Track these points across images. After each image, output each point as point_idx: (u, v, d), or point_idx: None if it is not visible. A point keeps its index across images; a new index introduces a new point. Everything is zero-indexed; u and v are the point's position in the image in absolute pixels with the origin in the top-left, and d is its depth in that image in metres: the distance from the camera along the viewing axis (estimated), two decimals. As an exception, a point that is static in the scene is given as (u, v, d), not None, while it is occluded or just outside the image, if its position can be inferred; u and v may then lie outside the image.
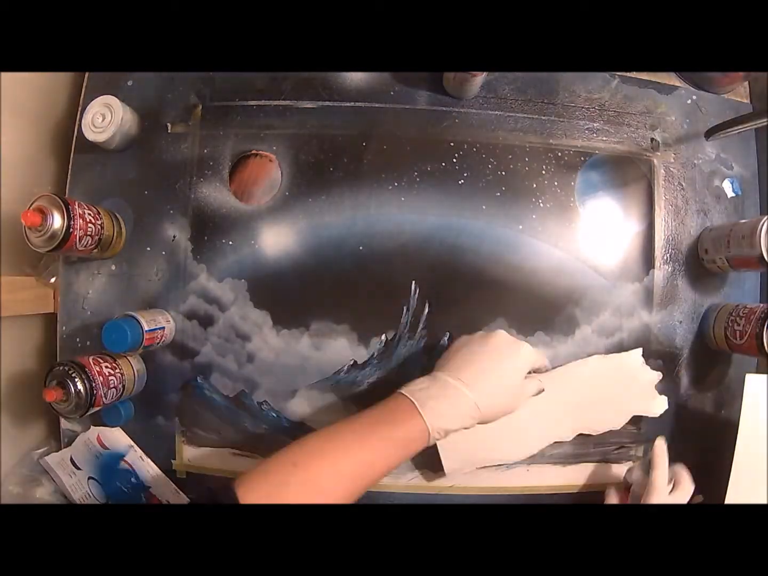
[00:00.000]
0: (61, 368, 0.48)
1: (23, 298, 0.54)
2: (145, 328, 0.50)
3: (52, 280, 0.57)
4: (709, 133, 0.51)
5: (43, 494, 0.56)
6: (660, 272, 0.57)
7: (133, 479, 0.55)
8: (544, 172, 0.56)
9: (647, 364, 0.56)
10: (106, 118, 0.53)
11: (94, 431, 0.56)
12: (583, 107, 0.58)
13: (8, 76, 0.51)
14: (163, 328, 0.53)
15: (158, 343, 0.53)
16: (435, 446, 0.50)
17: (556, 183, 0.56)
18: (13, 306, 0.52)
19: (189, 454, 0.57)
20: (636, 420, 0.56)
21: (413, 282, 0.55)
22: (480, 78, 0.53)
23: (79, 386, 0.47)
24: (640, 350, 0.55)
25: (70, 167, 0.58)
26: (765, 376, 0.51)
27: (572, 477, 0.56)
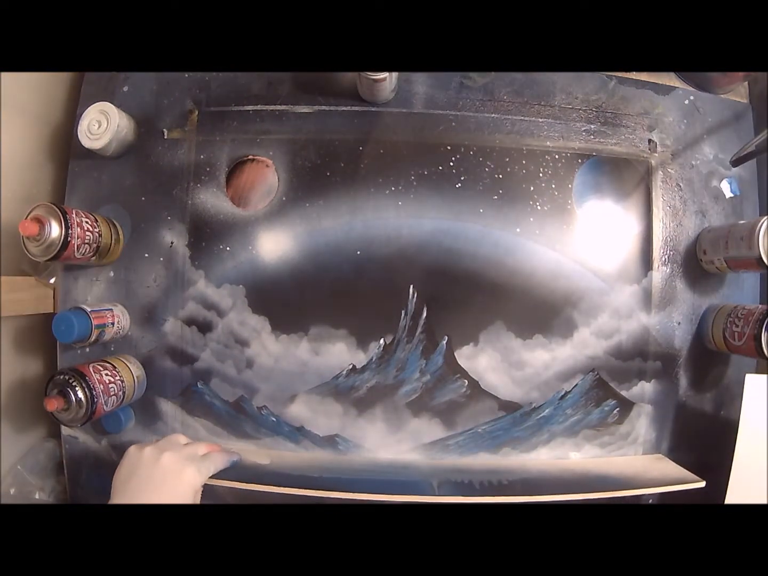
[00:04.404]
0: (61, 377, 0.48)
1: (23, 298, 0.55)
2: (88, 309, 0.51)
3: (52, 280, 0.58)
4: (737, 163, 0.51)
5: (42, 495, 0.56)
6: (658, 274, 0.57)
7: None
8: (541, 174, 0.56)
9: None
10: (102, 125, 0.53)
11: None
12: (580, 109, 0.58)
13: (8, 76, 0.51)
14: (111, 309, 0.54)
15: (113, 324, 0.54)
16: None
17: (553, 185, 0.56)
18: (13, 306, 0.52)
19: (190, 459, 0.57)
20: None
21: (411, 286, 0.55)
22: (387, 82, 0.51)
23: (80, 395, 0.48)
24: None
25: (68, 174, 0.58)
26: (765, 376, 0.51)
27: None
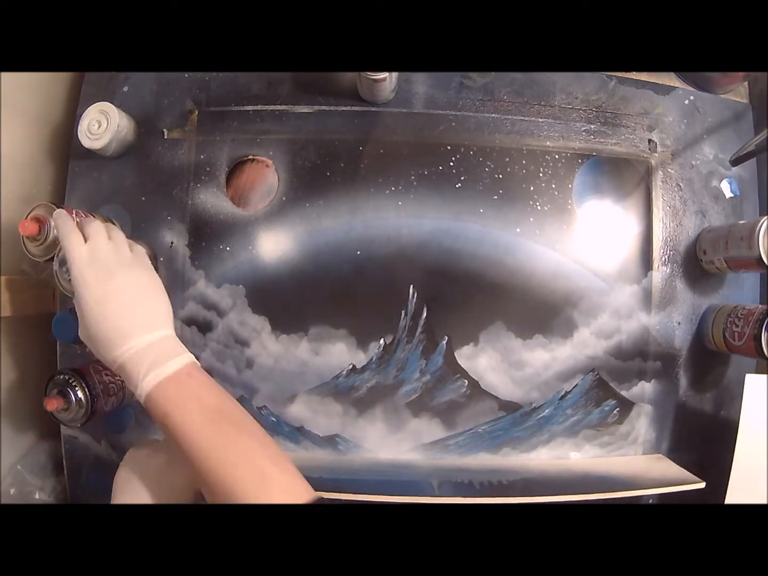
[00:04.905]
0: (61, 377, 0.48)
1: (23, 298, 0.55)
2: None
3: (52, 280, 0.58)
4: (736, 163, 0.51)
5: (42, 495, 0.56)
6: (658, 274, 0.57)
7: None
8: (541, 174, 0.56)
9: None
10: (102, 125, 0.53)
11: None
12: (580, 109, 0.58)
13: (8, 76, 0.51)
14: None
15: None
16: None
17: (553, 185, 0.56)
18: (13, 306, 0.52)
19: (190, 459, 0.57)
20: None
21: (411, 286, 0.55)
22: (387, 82, 0.52)
23: (80, 395, 0.47)
24: None
25: (68, 174, 0.58)
26: (765, 376, 0.51)
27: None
